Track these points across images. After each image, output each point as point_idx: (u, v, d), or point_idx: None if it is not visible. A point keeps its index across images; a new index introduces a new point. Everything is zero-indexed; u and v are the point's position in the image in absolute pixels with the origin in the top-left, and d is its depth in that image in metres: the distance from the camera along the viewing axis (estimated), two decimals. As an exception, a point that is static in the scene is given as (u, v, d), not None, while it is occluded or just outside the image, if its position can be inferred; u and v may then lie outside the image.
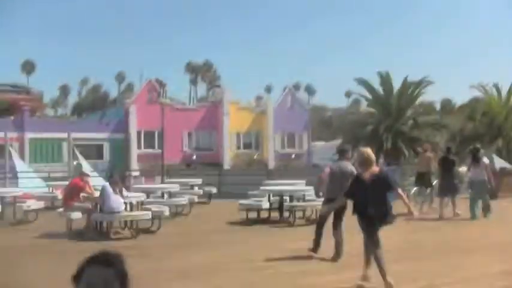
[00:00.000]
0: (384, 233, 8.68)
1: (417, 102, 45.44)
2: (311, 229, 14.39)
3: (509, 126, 43.68)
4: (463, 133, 46.07)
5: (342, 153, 12.45)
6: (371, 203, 8.44)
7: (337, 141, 50.45)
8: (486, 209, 17.18)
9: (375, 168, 8.83)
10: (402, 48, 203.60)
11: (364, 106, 59.62)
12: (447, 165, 17.74)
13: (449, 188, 17.47)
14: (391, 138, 38.43)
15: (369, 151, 9.05)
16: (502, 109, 45.20)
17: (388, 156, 37.40)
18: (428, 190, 19.02)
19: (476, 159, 17.57)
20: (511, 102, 46.27)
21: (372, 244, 8.52)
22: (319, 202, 16.00)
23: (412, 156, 39.69)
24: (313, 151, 60.43)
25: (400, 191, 9.17)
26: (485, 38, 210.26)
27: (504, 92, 46.19)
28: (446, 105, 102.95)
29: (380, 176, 8.75)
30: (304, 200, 16.67)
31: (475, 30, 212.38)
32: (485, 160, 18.01)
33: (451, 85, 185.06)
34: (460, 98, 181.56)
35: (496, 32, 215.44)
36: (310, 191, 17.00)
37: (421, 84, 42.58)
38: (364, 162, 8.83)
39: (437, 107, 75.80)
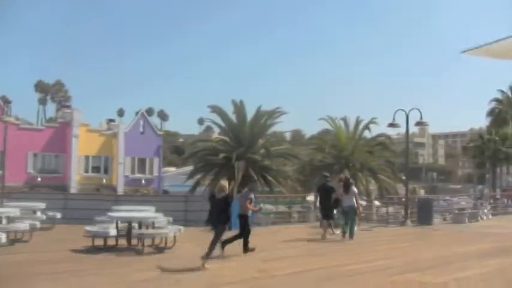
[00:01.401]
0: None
1: (269, 131, 46.25)
2: (161, 257, 13.94)
3: (355, 158, 45.65)
4: (312, 163, 47.55)
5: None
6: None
7: (189, 168, 50.16)
8: (352, 233, 18.63)
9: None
10: (256, 77, 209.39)
11: (216, 134, 59.97)
12: (326, 192, 19.19)
13: (327, 212, 19.06)
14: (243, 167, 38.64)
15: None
16: (349, 141, 47.22)
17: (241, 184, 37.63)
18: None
19: (346, 188, 19.03)
20: (357, 135, 48.51)
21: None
22: (168, 230, 15.57)
23: (263, 183, 40.23)
24: (164, 177, 59.68)
25: None
26: (338, 74, 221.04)
27: (351, 126, 48.33)
28: (296, 135, 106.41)
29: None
30: (153, 227, 16.07)
31: (328, 65, 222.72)
32: (354, 189, 19.44)
33: (302, 116, 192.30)
34: (310, 129, 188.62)
35: (349, 68, 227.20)
36: (159, 218, 16.47)
37: (273, 113, 43.44)
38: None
39: (288, 137, 77.74)
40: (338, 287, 10.37)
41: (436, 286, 10.26)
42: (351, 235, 18.63)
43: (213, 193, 13.89)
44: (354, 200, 18.88)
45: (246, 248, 14.81)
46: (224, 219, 13.17)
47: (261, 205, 21.68)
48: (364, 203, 21.41)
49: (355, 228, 19.27)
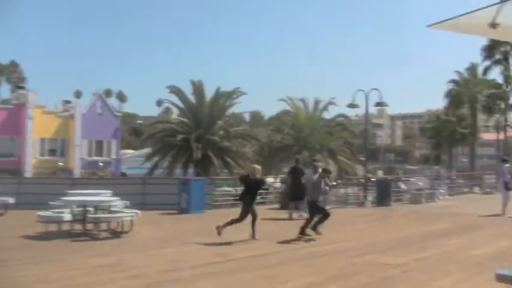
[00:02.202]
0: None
1: (228, 113, 45.98)
2: (117, 242, 13.59)
3: (314, 139, 45.79)
4: (271, 144, 47.54)
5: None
6: None
7: (147, 150, 49.62)
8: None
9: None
10: (215, 58, 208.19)
11: (175, 115, 59.40)
12: (297, 174, 20.18)
13: (298, 194, 19.63)
14: (202, 148, 38.35)
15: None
16: (308, 122, 47.31)
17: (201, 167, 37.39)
18: None
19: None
20: (316, 116, 48.62)
21: None
22: (125, 214, 15.20)
23: (221, 165, 40.02)
24: (122, 159, 58.93)
25: None
26: (293, 53, 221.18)
27: (311, 107, 48.38)
28: (255, 117, 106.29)
29: None
30: (109, 212, 15.67)
31: (283, 43, 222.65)
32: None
33: (261, 97, 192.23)
34: (269, 109, 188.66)
35: (305, 48, 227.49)
36: (116, 202, 16.08)
37: (233, 94, 43.13)
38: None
39: (247, 118, 77.57)
40: (299, 269, 10.19)
41: (397, 267, 10.17)
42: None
43: (247, 174, 15.47)
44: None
45: (314, 228, 14.86)
46: (255, 199, 14.75)
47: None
48: (334, 183, 21.94)
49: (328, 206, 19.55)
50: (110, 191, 17.76)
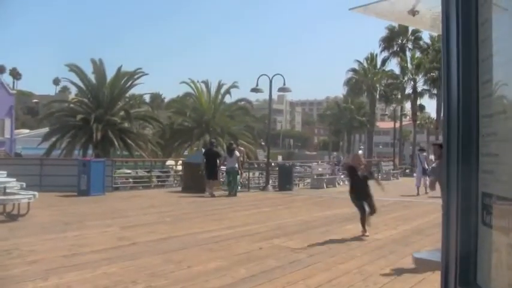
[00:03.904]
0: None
1: (128, 94, 45.08)
2: (14, 225, 12.93)
3: (216, 122, 45.68)
4: (172, 127, 47.02)
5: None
6: None
7: (43, 130, 47.83)
8: (235, 191, 22.23)
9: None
10: (116, 36, 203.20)
11: (73, 95, 57.57)
12: (212, 156, 22.36)
13: (213, 174, 22.21)
14: (102, 129, 37.35)
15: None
16: (211, 105, 47.14)
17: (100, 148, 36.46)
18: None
19: (230, 152, 22.47)
20: (218, 99, 48.51)
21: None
22: (22, 196, 14.48)
23: (122, 147, 39.20)
24: (16, 139, 56.56)
25: None
26: (198, 33, 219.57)
27: (213, 90, 48.18)
28: (156, 99, 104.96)
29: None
30: (4, 194, 14.87)
31: (185, 25, 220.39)
32: (237, 153, 22.66)
33: (161, 79, 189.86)
34: (170, 93, 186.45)
35: (210, 28, 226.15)
36: (12, 183, 15.32)
37: (134, 74, 42.24)
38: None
39: (147, 100, 76.40)
40: (204, 253, 10.03)
41: (303, 251, 10.24)
42: (234, 193, 22.08)
43: (348, 164, 14.29)
44: (236, 163, 22.19)
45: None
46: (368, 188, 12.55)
47: None
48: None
49: (238, 187, 22.80)
50: (4, 172, 16.86)
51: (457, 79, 2.38)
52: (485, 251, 2.32)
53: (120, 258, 9.37)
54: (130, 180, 28.89)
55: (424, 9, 4.50)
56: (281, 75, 27.24)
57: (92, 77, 41.60)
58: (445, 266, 2.46)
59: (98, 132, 36.89)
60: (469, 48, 2.34)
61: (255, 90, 27.75)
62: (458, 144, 2.38)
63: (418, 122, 69.69)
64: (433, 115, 74.49)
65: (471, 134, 2.34)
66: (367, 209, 12.24)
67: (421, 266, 5.48)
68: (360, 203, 12.29)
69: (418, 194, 23.00)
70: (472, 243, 2.35)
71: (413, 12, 4.35)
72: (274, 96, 49.74)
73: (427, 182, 21.50)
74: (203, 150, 25.89)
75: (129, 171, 31.83)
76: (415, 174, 26.93)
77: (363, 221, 12.17)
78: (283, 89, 28.46)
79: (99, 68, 41.29)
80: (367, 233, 12.07)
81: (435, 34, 53.28)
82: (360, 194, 12.33)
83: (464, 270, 2.37)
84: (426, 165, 23.51)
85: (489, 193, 2.17)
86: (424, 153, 24.76)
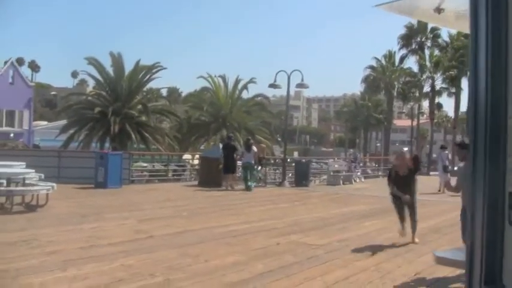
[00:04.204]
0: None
1: (146, 88, 45.23)
2: (33, 216, 13.04)
3: (233, 117, 45.70)
4: (189, 121, 47.11)
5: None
6: None
7: (61, 122, 48.14)
8: (249, 186, 22.27)
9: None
10: (135, 31, 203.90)
11: (91, 87, 57.85)
12: (230, 150, 22.74)
13: (231, 168, 22.54)
14: (119, 122, 37.53)
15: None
16: (228, 100, 47.16)
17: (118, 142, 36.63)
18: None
19: (248, 148, 23.01)
20: (236, 94, 48.53)
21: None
22: (40, 187, 14.59)
23: (139, 140, 39.37)
24: (34, 131, 56.97)
25: None
26: (217, 27, 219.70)
27: (230, 85, 48.18)
28: (173, 93, 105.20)
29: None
30: (23, 185, 14.99)
31: (203, 18, 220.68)
32: (254, 148, 23.28)
33: (178, 74, 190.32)
34: (187, 87, 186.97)
35: (229, 22, 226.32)
36: (31, 174, 15.43)
37: (153, 68, 42.34)
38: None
39: (164, 94, 76.65)
40: (222, 247, 10.05)
41: (320, 247, 10.23)
42: (250, 188, 22.15)
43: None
44: (253, 159, 22.75)
45: None
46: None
47: None
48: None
49: (254, 183, 23.20)
50: (23, 163, 16.98)
51: (485, 77, 2.36)
52: (511, 250, 2.31)
53: (137, 251, 9.41)
54: (147, 173, 28.98)
55: (450, 6, 4.48)
56: (299, 71, 27.27)
57: (110, 71, 41.78)
58: (470, 265, 2.46)
59: (116, 125, 37.08)
60: (499, 46, 2.32)
61: (273, 86, 27.74)
62: (485, 143, 2.36)
63: (435, 120, 69.24)
64: (451, 114, 74.12)
65: (499, 133, 2.32)
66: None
67: (442, 264, 5.50)
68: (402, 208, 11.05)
69: (439, 191, 23.03)
70: (498, 243, 2.34)
71: (438, 10, 4.33)
72: (292, 92, 49.72)
73: (445, 181, 21.86)
74: (220, 144, 26.09)
75: (145, 164, 31.89)
76: (437, 172, 26.72)
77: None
78: (301, 85, 28.40)
79: (117, 61, 41.46)
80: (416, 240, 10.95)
81: (455, 32, 52.92)
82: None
83: (490, 269, 2.36)
84: (447, 163, 23.79)
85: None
86: (446, 151, 24.76)
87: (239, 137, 41.87)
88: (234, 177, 23.25)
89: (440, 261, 4.28)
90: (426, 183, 25.33)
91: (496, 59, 2.40)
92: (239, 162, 23.53)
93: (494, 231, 2.39)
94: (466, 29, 3.22)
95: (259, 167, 25.03)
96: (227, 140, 24.57)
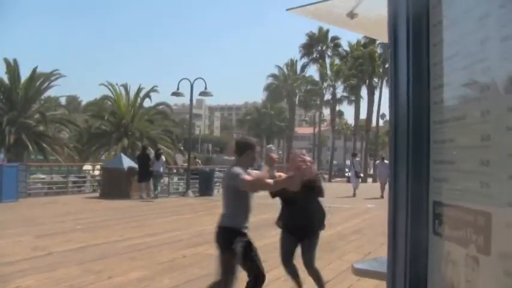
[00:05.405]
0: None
1: (44, 96, 43.80)
2: None
3: (135, 126, 44.92)
4: (90, 130, 45.91)
5: None
6: None
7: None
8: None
9: None
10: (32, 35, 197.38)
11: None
12: (144, 159, 23.39)
13: (146, 176, 22.93)
14: (15, 132, 36.05)
15: None
16: (129, 109, 46.34)
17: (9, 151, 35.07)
18: None
19: (157, 156, 24.06)
20: (137, 103, 47.77)
21: None
22: None
23: (36, 151, 37.99)
24: None
25: None
26: (119, 35, 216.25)
27: (132, 93, 47.44)
28: (72, 102, 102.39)
29: None
30: None
31: (105, 26, 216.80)
32: (163, 158, 24.97)
33: (79, 81, 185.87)
34: (87, 95, 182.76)
35: (132, 30, 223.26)
36: None
37: (51, 76, 41.02)
38: None
39: (63, 102, 74.51)
40: (125, 262, 9.71)
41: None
42: (156, 195, 23.23)
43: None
44: (162, 167, 24.07)
45: None
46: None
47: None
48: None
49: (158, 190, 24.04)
50: None
51: (406, 84, 2.28)
52: (436, 261, 2.24)
53: (35, 269, 8.90)
54: (45, 186, 27.92)
55: (364, 12, 4.43)
56: (202, 79, 27.12)
57: (5, 78, 40.09)
58: (392, 277, 2.37)
59: (11, 135, 35.60)
60: (420, 52, 2.24)
61: (175, 94, 27.43)
62: (408, 151, 2.28)
63: (336, 127, 70.94)
64: (351, 121, 76.13)
65: (421, 140, 2.24)
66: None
67: (362, 275, 5.44)
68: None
69: (354, 195, 25.34)
70: (423, 253, 2.26)
71: (352, 15, 4.27)
72: (194, 100, 49.53)
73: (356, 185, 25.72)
74: (122, 155, 25.86)
75: (44, 176, 30.74)
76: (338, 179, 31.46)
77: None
78: (204, 93, 28.24)
79: (12, 68, 39.83)
80: None
81: (355, 41, 54.37)
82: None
83: (414, 281, 2.28)
84: (359, 169, 27.11)
85: (442, 202, 2.09)
86: (357, 158, 27.62)
87: (141, 146, 41.16)
88: (149, 185, 23.32)
89: (358, 272, 4.21)
90: (330, 191, 25.95)
91: (418, 63, 2.33)
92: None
93: (418, 241, 2.32)
94: (379, 35, 3.12)
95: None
96: (142, 149, 25.29)
